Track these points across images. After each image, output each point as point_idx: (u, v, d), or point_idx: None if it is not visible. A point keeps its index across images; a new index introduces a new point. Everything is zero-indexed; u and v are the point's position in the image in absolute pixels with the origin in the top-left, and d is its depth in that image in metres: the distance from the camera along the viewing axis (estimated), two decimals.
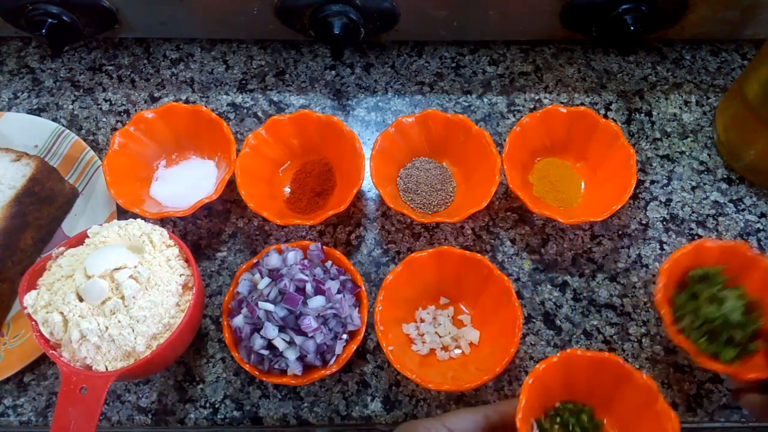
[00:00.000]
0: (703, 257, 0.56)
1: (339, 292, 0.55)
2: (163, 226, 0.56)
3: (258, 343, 0.53)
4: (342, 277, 0.57)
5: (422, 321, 0.59)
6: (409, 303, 0.60)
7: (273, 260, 0.56)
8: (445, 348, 0.58)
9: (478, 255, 0.57)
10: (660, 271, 0.55)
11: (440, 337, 0.58)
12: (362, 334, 0.55)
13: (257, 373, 0.54)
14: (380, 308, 0.56)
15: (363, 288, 0.57)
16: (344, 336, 0.55)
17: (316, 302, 0.53)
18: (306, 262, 0.57)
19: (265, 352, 0.53)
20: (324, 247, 0.58)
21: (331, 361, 0.54)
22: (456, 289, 0.60)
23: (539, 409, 0.52)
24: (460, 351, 0.58)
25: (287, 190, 0.66)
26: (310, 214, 0.63)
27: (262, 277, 0.55)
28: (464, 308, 0.60)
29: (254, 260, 0.58)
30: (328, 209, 0.60)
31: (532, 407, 0.50)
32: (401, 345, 0.57)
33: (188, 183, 0.65)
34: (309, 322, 0.52)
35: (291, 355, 0.53)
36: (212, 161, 0.67)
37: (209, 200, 0.61)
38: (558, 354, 0.51)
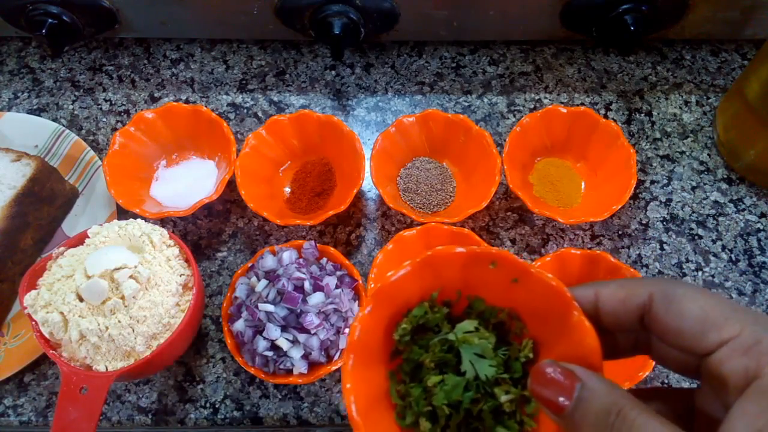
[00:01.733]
0: (401, 293, 0.32)
1: (337, 287, 0.55)
2: (163, 226, 0.56)
3: (261, 345, 0.53)
4: (338, 273, 0.57)
5: None
6: None
7: (268, 262, 0.56)
8: None
9: (465, 229, 0.58)
10: (346, 347, 0.31)
11: None
12: None
13: (263, 375, 0.54)
14: (372, 285, 0.57)
15: (360, 281, 0.57)
16: (347, 330, 0.55)
17: (316, 299, 0.53)
18: (301, 260, 0.57)
19: (270, 354, 0.53)
20: (317, 244, 0.58)
21: (336, 357, 0.54)
22: None
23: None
24: None
25: (287, 190, 0.66)
26: (311, 214, 0.63)
27: (259, 280, 0.55)
28: None
29: (249, 264, 0.58)
30: (328, 209, 0.61)
31: None
32: None
33: (188, 183, 0.65)
34: (311, 319, 0.52)
35: (296, 353, 0.53)
36: (212, 161, 0.67)
37: (209, 200, 0.61)
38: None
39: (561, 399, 0.26)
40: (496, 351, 0.31)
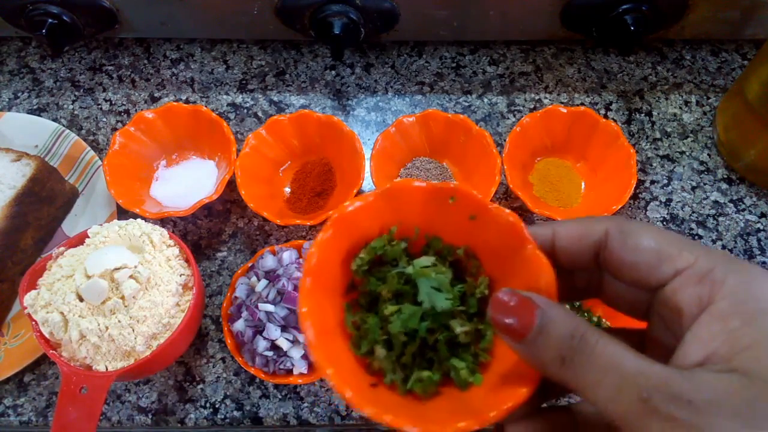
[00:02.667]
0: (359, 225, 0.32)
1: None
2: (163, 226, 0.56)
3: (261, 345, 0.53)
4: None
5: None
6: None
7: (269, 262, 0.56)
8: None
9: None
10: (303, 271, 0.30)
11: None
12: None
13: (263, 375, 0.54)
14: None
15: None
16: None
17: None
18: (301, 260, 0.57)
19: (270, 353, 0.53)
20: None
21: None
22: None
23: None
24: None
25: (287, 190, 0.66)
26: (310, 214, 0.63)
27: (259, 280, 0.55)
28: None
29: (249, 264, 0.58)
30: (328, 209, 0.61)
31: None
32: None
33: (188, 183, 0.65)
34: None
35: (296, 353, 0.53)
36: (212, 161, 0.67)
37: (209, 200, 0.61)
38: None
39: (522, 325, 0.26)
40: (453, 287, 0.32)
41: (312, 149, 0.66)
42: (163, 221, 0.65)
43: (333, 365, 0.28)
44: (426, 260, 0.32)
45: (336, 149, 0.65)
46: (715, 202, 0.66)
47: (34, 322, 0.51)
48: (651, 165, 0.68)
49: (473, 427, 0.27)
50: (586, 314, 0.58)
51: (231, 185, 0.64)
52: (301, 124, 0.65)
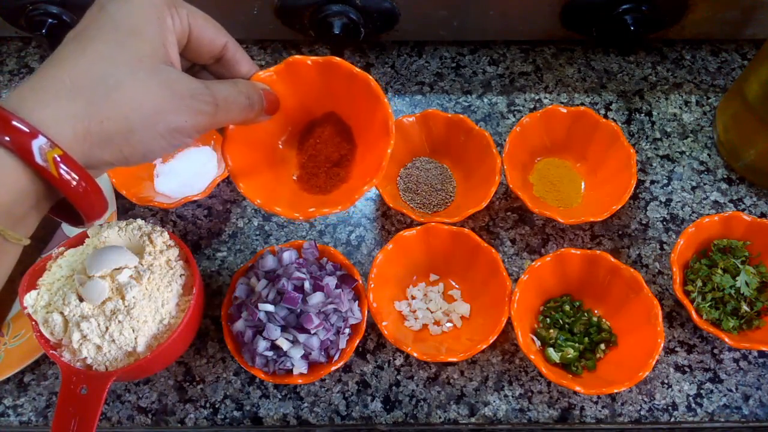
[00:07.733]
0: (729, 230, 0.59)
1: (337, 287, 0.55)
2: (163, 226, 0.56)
3: (261, 345, 0.53)
4: (338, 273, 0.57)
5: (413, 298, 0.61)
6: (400, 281, 0.61)
7: (269, 262, 0.56)
8: (437, 323, 0.60)
9: (465, 229, 0.58)
10: (682, 232, 0.58)
11: (432, 312, 0.60)
12: (364, 327, 0.55)
13: (263, 375, 0.54)
14: (372, 285, 0.57)
15: (360, 281, 0.57)
16: (346, 330, 0.55)
17: (316, 299, 0.53)
18: (301, 260, 0.57)
19: (270, 354, 0.53)
20: (318, 244, 0.58)
21: (336, 357, 0.54)
22: (445, 264, 0.61)
23: (534, 310, 0.59)
24: (451, 325, 0.60)
25: (296, 171, 0.49)
26: (333, 192, 0.48)
27: (259, 280, 0.55)
28: (454, 283, 0.62)
29: (249, 264, 0.58)
30: (351, 181, 0.47)
31: (527, 307, 0.58)
32: (394, 322, 0.58)
33: (191, 171, 0.66)
34: (311, 319, 0.52)
35: (296, 353, 0.53)
36: (207, 147, 0.67)
37: (222, 178, 0.62)
38: (551, 253, 0.58)
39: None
40: None
41: (311, 104, 0.49)
42: (162, 221, 0.65)
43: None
44: (754, 266, 0.59)
45: (346, 99, 0.47)
46: (715, 202, 0.66)
47: (34, 322, 0.51)
48: (651, 165, 0.68)
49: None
50: (586, 314, 0.58)
51: (232, 185, 0.64)
52: (292, 74, 0.47)
